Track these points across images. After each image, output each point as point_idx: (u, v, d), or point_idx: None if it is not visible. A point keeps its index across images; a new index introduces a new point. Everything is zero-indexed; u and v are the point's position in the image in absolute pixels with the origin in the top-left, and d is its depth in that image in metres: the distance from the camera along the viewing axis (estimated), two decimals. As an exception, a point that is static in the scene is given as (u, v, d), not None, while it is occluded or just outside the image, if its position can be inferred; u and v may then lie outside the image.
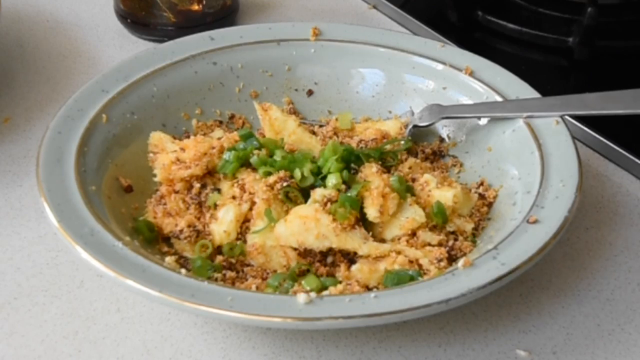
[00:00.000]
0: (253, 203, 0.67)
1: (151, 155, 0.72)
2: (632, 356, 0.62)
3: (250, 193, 0.67)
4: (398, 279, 0.62)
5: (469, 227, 0.68)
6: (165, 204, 0.69)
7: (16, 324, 0.64)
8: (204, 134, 0.76)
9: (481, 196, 0.70)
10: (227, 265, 0.65)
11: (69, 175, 0.65)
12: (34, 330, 0.63)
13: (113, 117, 0.72)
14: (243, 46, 0.80)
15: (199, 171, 0.69)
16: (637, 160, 0.78)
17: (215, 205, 0.68)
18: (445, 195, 0.67)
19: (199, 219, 0.68)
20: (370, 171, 0.68)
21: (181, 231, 0.67)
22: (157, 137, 0.73)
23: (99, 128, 0.71)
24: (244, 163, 0.70)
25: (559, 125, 0.71)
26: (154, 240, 0.67)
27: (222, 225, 0.66)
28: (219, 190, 0.70)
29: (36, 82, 0.89)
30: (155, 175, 0.70)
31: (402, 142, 0.74)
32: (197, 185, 0.69)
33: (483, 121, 0.76)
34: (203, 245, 0.66)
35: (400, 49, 0.80)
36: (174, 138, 0.74)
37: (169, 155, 0.70)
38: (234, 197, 0.68)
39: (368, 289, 0.63)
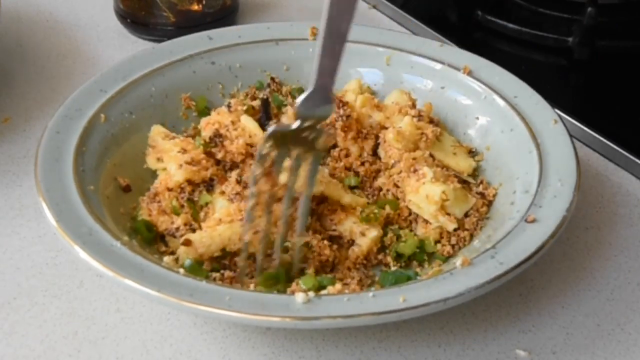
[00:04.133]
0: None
1: (149, 149, 0.72)
2: (632, 356, 0.62)
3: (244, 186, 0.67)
4: (395, 279, 0.62)
5: (451, 226, 0.67)
6: (159, 201, 0.69)
7: (16, 324, 0.64)
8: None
9: (481, 195, 0.70)
10: (221, 266, 0.65)
11: (68, 175, 0.65)
12: (34, 330, 0.63)
13: (111, 117, 0.72)
14: (241, 46, 0.80)
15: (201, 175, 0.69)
16: (637, 160, 0.78)
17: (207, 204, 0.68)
18: (433, 190, 0.67)
19: (194, 218, 0.68)
20: None
21: (177, 229, 0.67)
22: (157, 132, 0.73)
23: (98, 128, 0.71)
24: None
25: (557, 124, 0.71)
26: (152, 240, 0.67)
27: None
28: (211, 187, 0.69)
29: (36, 82, 0.89)
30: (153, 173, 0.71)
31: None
32: (188, 187, 0.69)
33: (482, 120, 0.76)
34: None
35: (398, 48, 0.80)
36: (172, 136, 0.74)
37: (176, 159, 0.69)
38: (231, 199, 0.67)
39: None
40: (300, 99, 0.61)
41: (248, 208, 0.63)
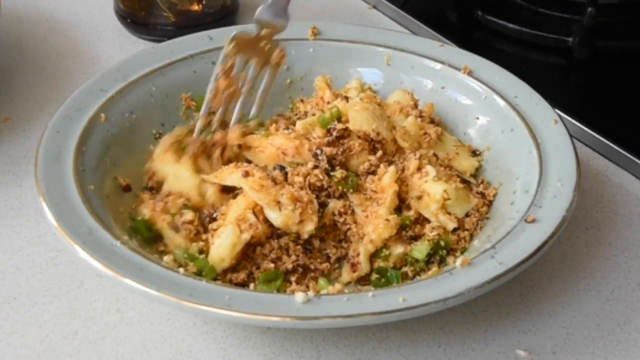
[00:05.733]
0: (255, 237, 0.65)
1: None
2: (632, 356, 0.62)
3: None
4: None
5: (450, 225, 0.67)
6: (167, 202, 0.68)
7: (16, 324, 0.64)
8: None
9: (481, 195, 0.70)
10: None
11: (68, 175, 0.65)
12: (34, 330, 0.63)
13: (112, 117, 0.72)
14: (242, 45, 0.80)
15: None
16: (637, 160, 0.78)
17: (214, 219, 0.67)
18: (435, 188, 0.67)
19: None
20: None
21: (184, 223, 0.66)
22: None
23: (98, 127, 0.71)
24: None
25: (558, 124, 0.71)
26: (151, 239, 0.67)
27: (219, 248, 0.64)
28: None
29: (36, 82, 0.89)
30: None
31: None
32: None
33: (482, 120, 0.76)
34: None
35: (398, 48, 0.80)
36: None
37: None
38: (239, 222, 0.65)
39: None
40: (260, 9, 0.72)
41: (206, 101, 0.72)
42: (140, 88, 0.75)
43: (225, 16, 0.97)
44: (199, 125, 0.72)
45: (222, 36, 0.80)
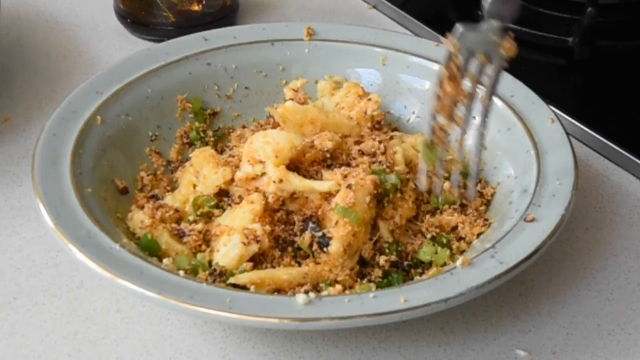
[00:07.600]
0: (262, 249, 0.64)
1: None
2: (632, 356, 0.62)
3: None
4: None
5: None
6: (167, 211, 0.68)
7: (16, 324, 0.64)
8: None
9: (480, 194, 0.70)
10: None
11: (65, 178, 0.65)
12: (34, 330, 0.63)
13: (107, 119, 0.72)
14: (237, 47, 0.80)
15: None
16: (637, 160, 0.78)
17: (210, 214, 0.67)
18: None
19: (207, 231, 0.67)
20: None
21: (191, 231, 0.66)
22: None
23: (94, 130, 0.71)
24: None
25: (554, 123, 0.71)
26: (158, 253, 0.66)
27: (225, 258, 0.64)
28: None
29: (36, 82, 0.89)
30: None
31: None
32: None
33: (478, 120, 0.75)
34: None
35: (394, 48, 0.80)
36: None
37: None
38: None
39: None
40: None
41: (431, 109, 0.64)
42: (135, 90, 0.75)
43: (225, 16, 0.97)
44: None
45: (218, 37, 0.81)
